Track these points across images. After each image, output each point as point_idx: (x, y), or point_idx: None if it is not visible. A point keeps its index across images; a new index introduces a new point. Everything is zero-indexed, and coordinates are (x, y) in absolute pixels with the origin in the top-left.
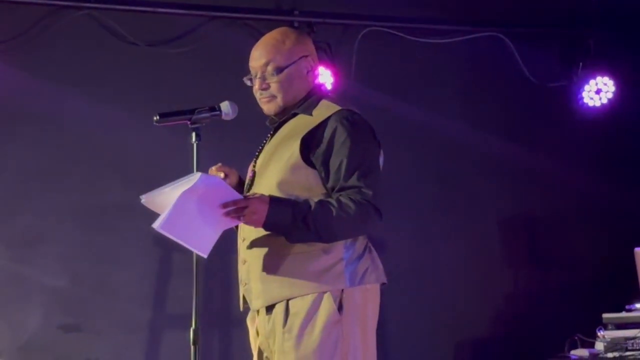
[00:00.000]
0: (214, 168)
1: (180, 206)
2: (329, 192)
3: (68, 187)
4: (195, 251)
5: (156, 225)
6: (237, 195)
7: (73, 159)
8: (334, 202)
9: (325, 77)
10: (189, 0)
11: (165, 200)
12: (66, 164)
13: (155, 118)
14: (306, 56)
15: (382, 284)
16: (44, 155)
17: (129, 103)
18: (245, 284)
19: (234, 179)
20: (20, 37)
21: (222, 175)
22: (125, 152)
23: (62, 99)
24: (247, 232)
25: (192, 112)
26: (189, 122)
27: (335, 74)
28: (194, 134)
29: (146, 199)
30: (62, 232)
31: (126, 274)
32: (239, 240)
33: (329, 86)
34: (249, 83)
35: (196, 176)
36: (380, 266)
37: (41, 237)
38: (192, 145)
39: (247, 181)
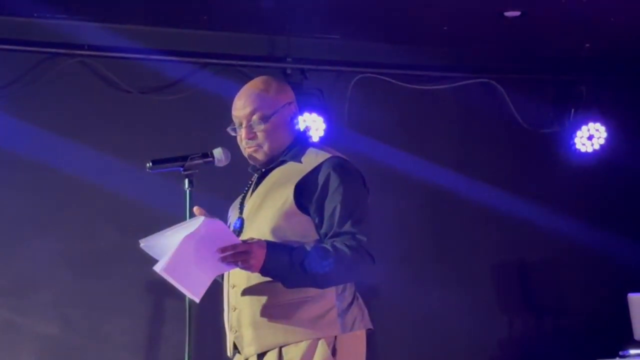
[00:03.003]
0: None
1: (182, 250)
2: (322, 238)
3: (61, 233)
4: (189, 295)
5: (158, 268)
6: (236, 240)
7: (65, 206)
8: (329, 247)
9: (317, 124)
10: (182, 47)
11: (165, 244)
12: (58, 210)
13: (148, 165)
14: (289, 103)
15: (368, 330)
16: (36, 201)
17: (122, 150)
18: (236, 331)
19: None
20: (13, 84)
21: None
22: (118, 198)
23: (55, 146)
24: (238, 279)
25: (184, 158)
26: (181, 169)
27: (328, 121)
28: (187, 181)
29: (145, 244)
30: (54, 279)
31: (119, 321)
32: (227, 287)
33: (321, 133)
34: (233, 133)
35: (199, 220)
36: (367, 312)
37: (33, 284)
38: (185, 192)
39: (231, 228)
